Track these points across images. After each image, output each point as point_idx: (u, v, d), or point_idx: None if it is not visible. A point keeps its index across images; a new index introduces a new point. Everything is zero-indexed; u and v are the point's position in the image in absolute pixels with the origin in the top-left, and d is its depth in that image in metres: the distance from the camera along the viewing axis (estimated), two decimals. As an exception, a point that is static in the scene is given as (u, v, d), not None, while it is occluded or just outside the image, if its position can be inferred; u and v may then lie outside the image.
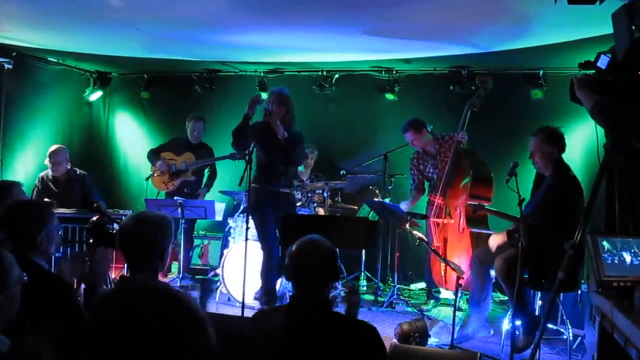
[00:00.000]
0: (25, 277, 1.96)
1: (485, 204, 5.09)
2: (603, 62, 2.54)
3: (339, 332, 2.05)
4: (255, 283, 4.84)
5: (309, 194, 5.88)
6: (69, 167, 5.64)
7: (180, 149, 6.27)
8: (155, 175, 6.23)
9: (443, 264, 4.86)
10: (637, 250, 1.96)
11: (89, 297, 2.51)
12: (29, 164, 6.30)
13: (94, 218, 2.56)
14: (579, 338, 4.23)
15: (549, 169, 4.14)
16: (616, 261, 1.93)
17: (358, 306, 2.59)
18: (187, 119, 6.36)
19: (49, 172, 5.61)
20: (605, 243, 1.95)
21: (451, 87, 6.27)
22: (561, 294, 4.57)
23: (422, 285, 6.10)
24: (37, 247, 2.44)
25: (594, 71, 2.81)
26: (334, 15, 4.72)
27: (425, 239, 4.17)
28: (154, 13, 4.86)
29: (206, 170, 6.42)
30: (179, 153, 6.25)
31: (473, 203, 4.96)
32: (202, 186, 6.40)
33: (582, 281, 4.14)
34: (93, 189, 5.68)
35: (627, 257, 1.94)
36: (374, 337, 2.09)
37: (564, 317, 4.32)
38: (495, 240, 4.23)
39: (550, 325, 4.50)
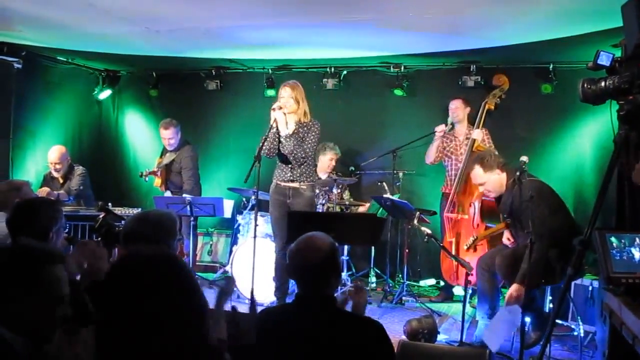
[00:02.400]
0: None
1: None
2: (603, 60, 2.49)
3: (345, 330, 2.03)
4: (264, 280, 4.85)
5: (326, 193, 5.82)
6: (68, 163, 5.77)
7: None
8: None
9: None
10: (646, 247, 1.93)
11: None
12: (39, 162, 6.34)
13: (101, 216, 2.55)
14: (590, 335, 4.19)
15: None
16: (625, 257, 1.88)
17: (365, 305, 2.56)
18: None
19: (52, 170, 5.76)
20: (613, 239, 1.91)
21: (460, 83, 6.22)
22: (572, 290, 4.57)
23: (432, 281, 6.08)
24: (48, 243, 2.44)
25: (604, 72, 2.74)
26: (340, 11, 4.71)
27: (434, 235, 4.13)
28: (162, 12, 4.87)
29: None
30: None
31: (468, 244, 4.78)
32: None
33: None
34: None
35: (636, 254, 1.90)
36: (381, 335, 2.07)
37: (575, 314, 4.29)
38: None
39: (561, 322, 4.48)
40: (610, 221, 3.22)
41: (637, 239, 1.92)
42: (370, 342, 2.04)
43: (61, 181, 5.75)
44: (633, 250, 1.89)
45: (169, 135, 6.08)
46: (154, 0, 4.59)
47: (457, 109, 5.59)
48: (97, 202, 4.43)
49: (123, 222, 2.86)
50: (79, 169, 5.80)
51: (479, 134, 5.35)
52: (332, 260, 2.16)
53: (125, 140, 7.71)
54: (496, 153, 4.19)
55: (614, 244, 1.89)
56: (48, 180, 5.80)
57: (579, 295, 4.54)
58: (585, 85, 2.66)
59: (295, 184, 4.65)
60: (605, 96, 2.62)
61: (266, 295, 4.97)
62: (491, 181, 4.12)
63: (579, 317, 4.11)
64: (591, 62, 2.59)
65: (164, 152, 6.29)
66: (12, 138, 6.10)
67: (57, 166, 5.68)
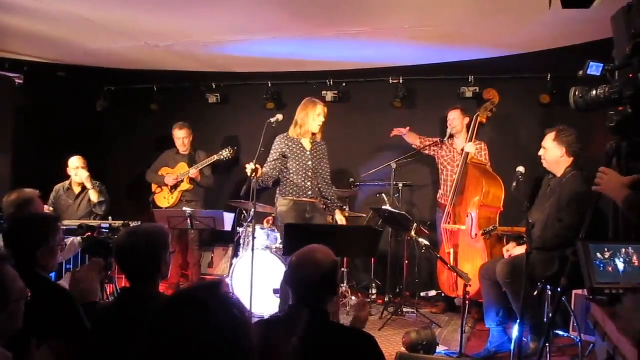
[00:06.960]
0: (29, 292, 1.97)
1: (496, 212, 5.11)
2: (593, 70, 2.50)
3: (336, 342, 2.04)
4: (264, 292, 4.84)
5: None
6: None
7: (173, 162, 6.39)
8: (157, 192, 6.30)
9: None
10: (629, 257, 1.92)
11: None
12: (41, 178, 6.35)
13: (86, 235, 2.56)
14: (591, 345, 4.16)
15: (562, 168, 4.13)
16: (608, 268, 1.87)
17: (366, 320, 2.56)
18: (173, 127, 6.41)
19: (65, 184, 5.78)
20: (596, 249, 1.90)
21: (459, 94, 6.22)
22: (572, 301, 4.55)
23: (432, 292, 6.06)
24: (37, 261, 2.45)
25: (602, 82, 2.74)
26: (338, 24, 4.75)
27: (431, 247, 4.13)
28: (161, 27, 4.92)
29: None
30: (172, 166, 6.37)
31: (486, 229, 4.81)
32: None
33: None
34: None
35: (620, 264, 1.89)
36: (371, 347, 2.08)
37: (576, 324, 4.26)
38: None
39: (562, 333, 4.47)
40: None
41: (622, 250, 1.90)
42: (361, 353, 2.05)
43: (78, 190, 5.76)
44: (617, 260, 1.88)
45: (185, 135, 6.28)
46: (152, 16, 4.65)
47: (455, 120, 5.56)
48: (79, 226, 4.34)
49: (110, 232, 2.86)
50: (96, 183, 5.81)
51: (471, 147, 5.35)
52: (330, 279, 2.17)
53: (126, 154, 7.71)
54: (575, 142, 4.16)
55: (598, 254, 1.88)
56: (61, 194, 5.79)
57: (580, 306, 4.52)
58: (577, 93, 2.67)
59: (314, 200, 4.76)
60: (596, 105, 2.63)
61: (266, 308, 4.96)
62: (552, 153, 4.16)
63: (579, 328, 4.09)
64: (582, 72, 2.61)
65: (170, 162, 6.30)
66: (14, 153, 6.13)
67: (81, 171, 5.71)
